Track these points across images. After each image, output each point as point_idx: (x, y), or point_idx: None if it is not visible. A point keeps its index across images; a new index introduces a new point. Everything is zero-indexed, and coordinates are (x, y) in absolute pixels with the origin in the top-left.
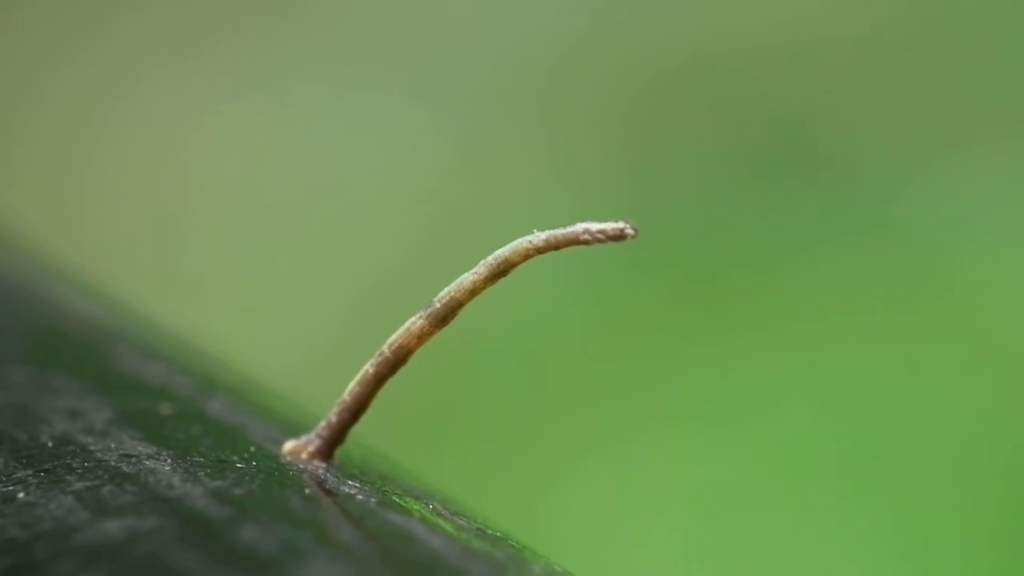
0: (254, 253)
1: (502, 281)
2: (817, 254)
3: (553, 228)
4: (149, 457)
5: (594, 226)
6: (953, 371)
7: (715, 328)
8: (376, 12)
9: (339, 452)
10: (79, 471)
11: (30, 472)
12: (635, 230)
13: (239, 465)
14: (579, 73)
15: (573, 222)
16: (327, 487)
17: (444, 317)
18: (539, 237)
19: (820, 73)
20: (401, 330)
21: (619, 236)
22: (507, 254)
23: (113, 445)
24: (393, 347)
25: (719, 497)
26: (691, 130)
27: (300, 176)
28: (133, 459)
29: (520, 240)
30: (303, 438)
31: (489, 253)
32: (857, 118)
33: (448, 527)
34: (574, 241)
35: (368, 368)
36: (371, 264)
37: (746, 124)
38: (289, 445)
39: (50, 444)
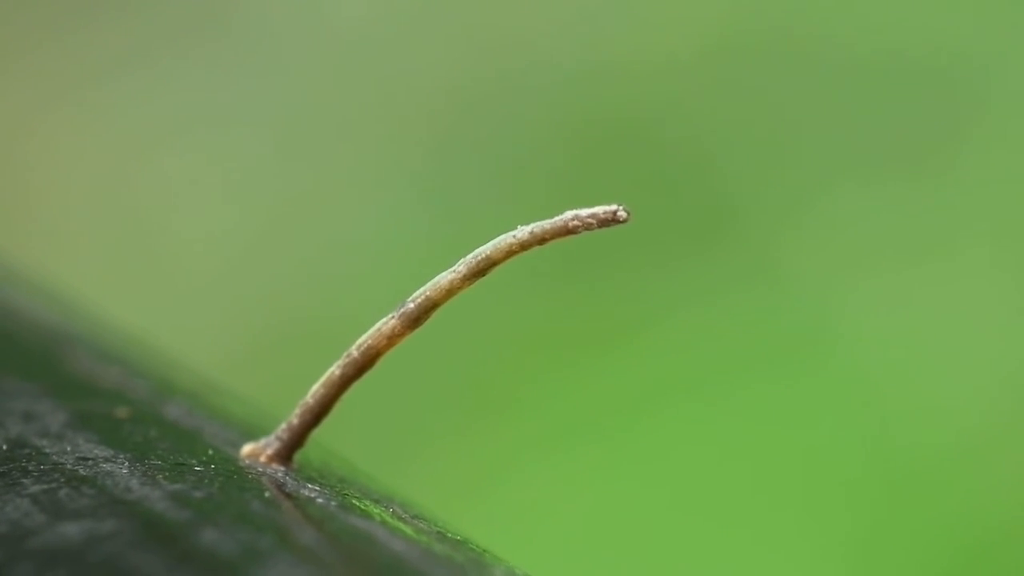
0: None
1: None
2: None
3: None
4: (106, 460)
5: (584, 212)
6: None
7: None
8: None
9: (297, 456)
10: (35, 474)
11: None
12: (628, 213)
13: (198, 468)
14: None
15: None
16: (287, 490)
17: (417, 318)
18: (524, 231)
19: (695, 120)
20: (371, 330)
21: (611, 220)
22: (489, 251)
23: (69, 448)
24: (362, 348)
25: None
26: (567, 181)
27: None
28: (90, 462)
29: (503, 236)
30: (262, 441)
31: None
32: (739, 163)
33: (409, 530)
34: (563, 231)
35: (334, 370)
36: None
37: (626, 178)
38: (247, 448)
39: (4, 447)
